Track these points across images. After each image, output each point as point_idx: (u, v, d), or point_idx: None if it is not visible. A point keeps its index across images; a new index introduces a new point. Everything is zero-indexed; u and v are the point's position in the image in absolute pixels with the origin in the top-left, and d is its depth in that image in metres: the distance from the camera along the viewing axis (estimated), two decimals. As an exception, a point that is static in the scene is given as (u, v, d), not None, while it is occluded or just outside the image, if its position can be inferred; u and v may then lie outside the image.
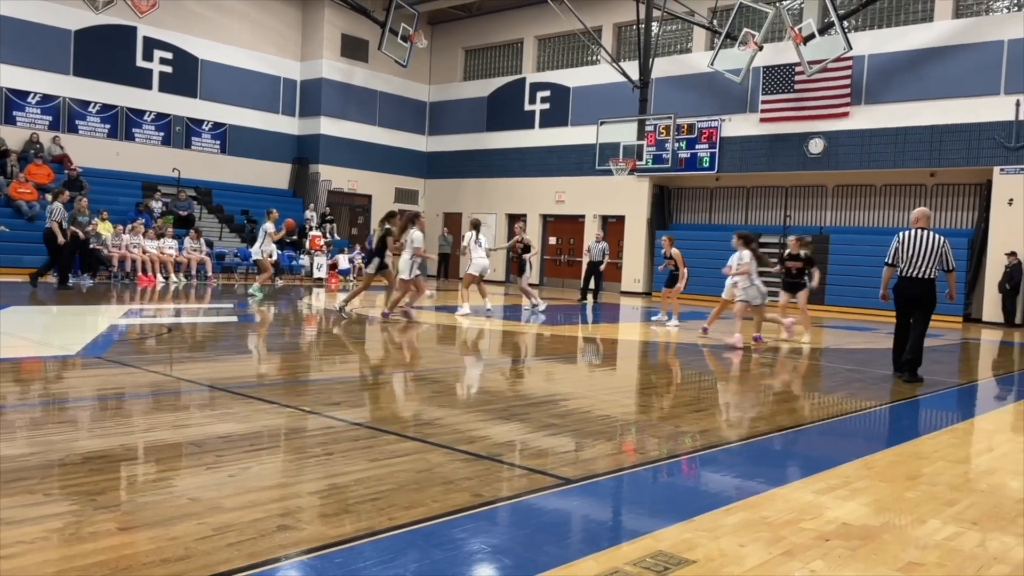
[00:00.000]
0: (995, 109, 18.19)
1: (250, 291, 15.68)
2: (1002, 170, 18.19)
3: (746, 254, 11.21)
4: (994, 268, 18.20)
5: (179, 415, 5.25)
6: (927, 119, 19.03)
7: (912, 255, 8.19)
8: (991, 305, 18.32)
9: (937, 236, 8.27)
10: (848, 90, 19.96)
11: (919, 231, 8.26)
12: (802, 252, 12.54)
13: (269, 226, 15.77)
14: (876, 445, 5.60)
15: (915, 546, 3.36)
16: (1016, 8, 18.63)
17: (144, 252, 18.41)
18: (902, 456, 5.11)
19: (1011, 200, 18.05)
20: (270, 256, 16.36)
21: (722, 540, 3.30)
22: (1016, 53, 17.89)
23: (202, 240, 19.94)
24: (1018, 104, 17.81)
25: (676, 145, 22.29)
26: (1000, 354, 12.98)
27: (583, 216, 25.03)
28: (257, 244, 16.03)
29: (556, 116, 25.65)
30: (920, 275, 8.19)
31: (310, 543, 3.01)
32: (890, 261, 8.38)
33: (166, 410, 5.40)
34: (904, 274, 8.30)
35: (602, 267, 19.40)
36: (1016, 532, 3.61)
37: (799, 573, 3.00)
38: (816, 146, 20.52)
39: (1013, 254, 17.72)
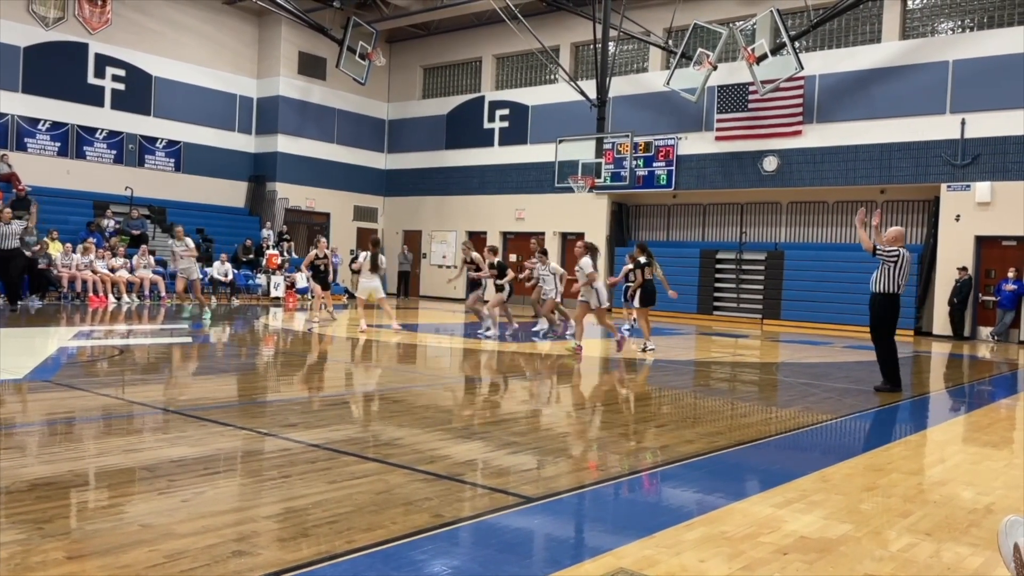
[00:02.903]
0: (941, 128, 18.72)
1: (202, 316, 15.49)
2: (949, 187, 18.70)
3: (586, 261, 11.81)
4: (943, 283, 18.67)
5: (131, 439, 5.12)
6: (877, 137, 19.52)
7: (907, 273, 8.58)
8: (941, 319, 18.77)
9: None
10: (800, 109, 20.40)
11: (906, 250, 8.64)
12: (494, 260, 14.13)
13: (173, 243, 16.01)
14: (832, 458, 5.68)
15: (871, 558, 3.40)
16: (960, 30, 19.25)
17: (95, 272, 18.02)
18: (857, 468, 5.19)
19: (958, 216, 18.55)
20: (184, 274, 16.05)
21: (683, 556, 3.31)
22: (961, 73, 18.46)
23: (151, 258, 19.57)
24: (963, 123, 18.36)
25: (634, 163, 22.53)
26: (950, 367, 13.28)
27: (543, 233, 25.12)
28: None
29: (515, 134, 25.77)
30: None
31: (266, 568, 2.95)
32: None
33: (117, 434, 5.26)
34: (900, 292, 8.56)
35: None
36: (969, 542, 3.68)
37: (759, 587, 3.02)
38: (770, 164, 20.91)
39: (964, 269, 18.20)
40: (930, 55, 18.95)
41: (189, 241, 16.16)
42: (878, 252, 8.50)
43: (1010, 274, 17.75)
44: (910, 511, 4.14)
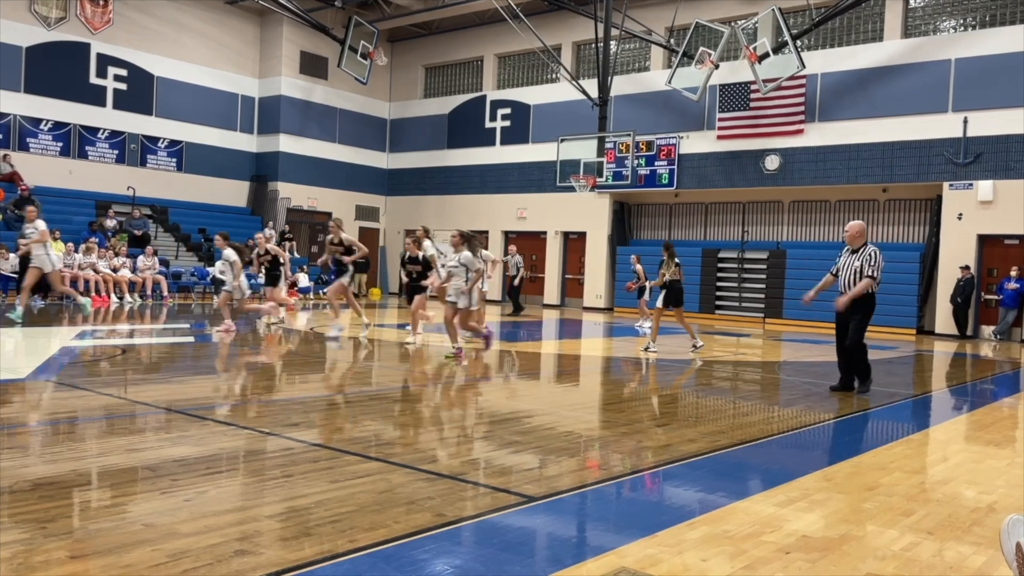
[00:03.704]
0: (943, 126, 18.69)
1: (12, 315, 12.47)
2: (951, 185, 18.67)
3: (467, 256, 10.09)
4: (945, 282, 18.63)
5: (133, 439, 5.12)
6: (879, 136, 19.48)
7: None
8: (943, 318, 18.74)
9: None
10: (802, 108, 20.37)
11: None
12: (420, 255, 11.88)
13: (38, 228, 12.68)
14: (834, 457, 5.68)
15: (873, 557, 3.40)
16: (962, 28, 19.21)
17: (97, 272, 18.04)
18: (860, 468, 5.18)
19: (960, 215, 18.52)
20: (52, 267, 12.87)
21: (685, 555, 3.31)
22: (963, 71, 18.43)
23: (156, 258, 19.60)
24: (965, 121, 18.33)
25: (635, 162, 22.52)
26: (952, 365, 13.27)
27: (545, 232, 25.13)
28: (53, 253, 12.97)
29: (517, 133, 25.76)
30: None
31: (269, 568, 2.95)
32: (879, 277, 8.22)
33: (119, 434, 5.27)
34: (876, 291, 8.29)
35: (517, 280, 20.10)
36: (971, 541, 3.68)
37: (761, 587, 3.02)
38: (772, 163, 20.88)
39: (967, 268, 18.16)
40: (932, 54, 18.92)
41: (40, 224, 12.67)
42: (874, 277, 8.10)
43: (1012, 273, 17.71)
44: (912, 510, 4.14)
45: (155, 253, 19.81)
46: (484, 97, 26.68)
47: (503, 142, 26.10)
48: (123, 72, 23.06)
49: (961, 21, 19.28)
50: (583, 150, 21.36)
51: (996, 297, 18.36)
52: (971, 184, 18.38)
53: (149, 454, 4.69)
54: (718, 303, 21.97)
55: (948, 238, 18.74)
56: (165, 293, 19.28)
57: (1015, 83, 17.67)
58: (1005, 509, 4.16)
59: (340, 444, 5.09)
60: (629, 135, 21.51)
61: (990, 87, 18.01)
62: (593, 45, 22.53)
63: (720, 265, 21.96)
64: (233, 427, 5.45)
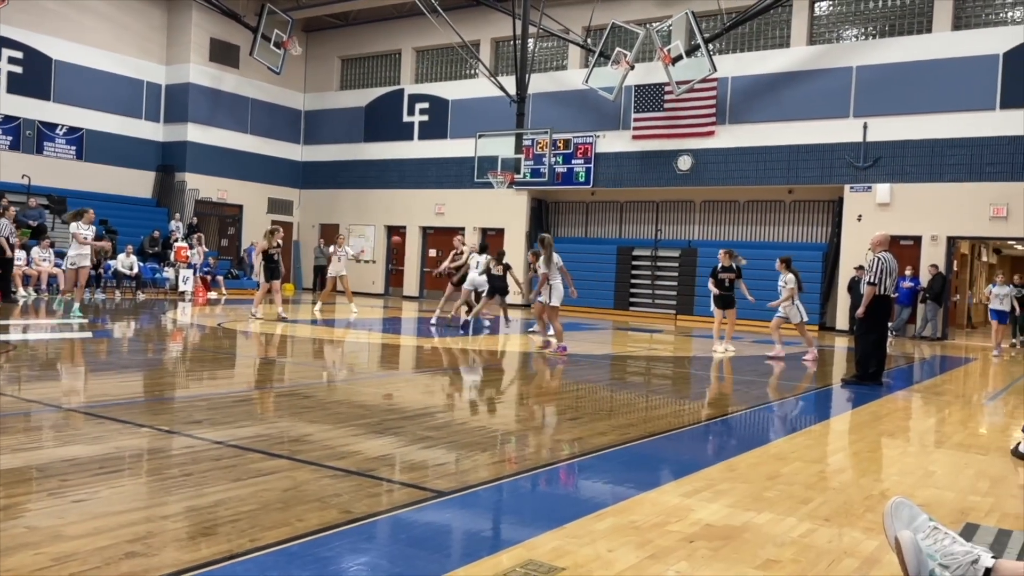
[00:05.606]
0: (845, 131, 19.49)
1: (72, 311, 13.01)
2: (852, 188, 19.49)
3: None
4: (846, 280, 19.42)
5: (21, 438, 4.85)
6: (785, 139, 20.17)
7: (894, 276, 9.27)
8: (843, 314, 19.54)
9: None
10: (713, 110, 20.91)
11: (890, 255, 9.28)
12: None
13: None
14: (739, 448, 5.83)
15: (773, 543, 3.50)
16: (864, 37, 20.06)
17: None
18: (762, 458, 5.33)
19: (860, 216, 19.35)
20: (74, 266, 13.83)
21: (592, 546, 3.33)
22: (864, 78, 19.25)
23: (51, 251, 18.67)
24: (865, 126, 19.16)
25: (553, 160, 22.68)
26: (850, 360, 13.80)
27: (463, 228, 25.05)
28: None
29: (435, 128, 25.60)
30: (891, 293, 9.44)
31: (162, 569, 2.83)
32: (875, 280, 9.16)
33: (7, 433, 4.97)
34: (887, 292, 9.27)
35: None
36: (864, 527, 3.82)
37: (664, 575, 3.06)
38: (684, 163, 21.36)
39: (861, 268, 18.95)
40: (835, 60, 19.70)
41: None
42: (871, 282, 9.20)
43: (907, 272, 18.59)
44: (811, 498, 4.28)
45: (51, 245, 18.87)
46: (402, 91, 26.42)
47: (421, 137, 25.90)
48: (18, 54, 21.86)
49: (863, 30, 20.12)
50: (501, 147, 21.39)
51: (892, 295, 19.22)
52: (870, 187, 19.22)
53: (38, 454, 4.45)
54: (632, 300, 22.35)
55: (848, 238, 19.54)
56: (62, 287, 18.36)
57: (912, 91, 18.56)
58: (897, 495, 4.34)
59: (244, 442, 4.94)
60: (546, 133, 21.64)
61: (888, 94, 18.87)
62: (511, 42, 22.58)
63: (634, 263, 22.34)
64: (131, 425, 5.22)
